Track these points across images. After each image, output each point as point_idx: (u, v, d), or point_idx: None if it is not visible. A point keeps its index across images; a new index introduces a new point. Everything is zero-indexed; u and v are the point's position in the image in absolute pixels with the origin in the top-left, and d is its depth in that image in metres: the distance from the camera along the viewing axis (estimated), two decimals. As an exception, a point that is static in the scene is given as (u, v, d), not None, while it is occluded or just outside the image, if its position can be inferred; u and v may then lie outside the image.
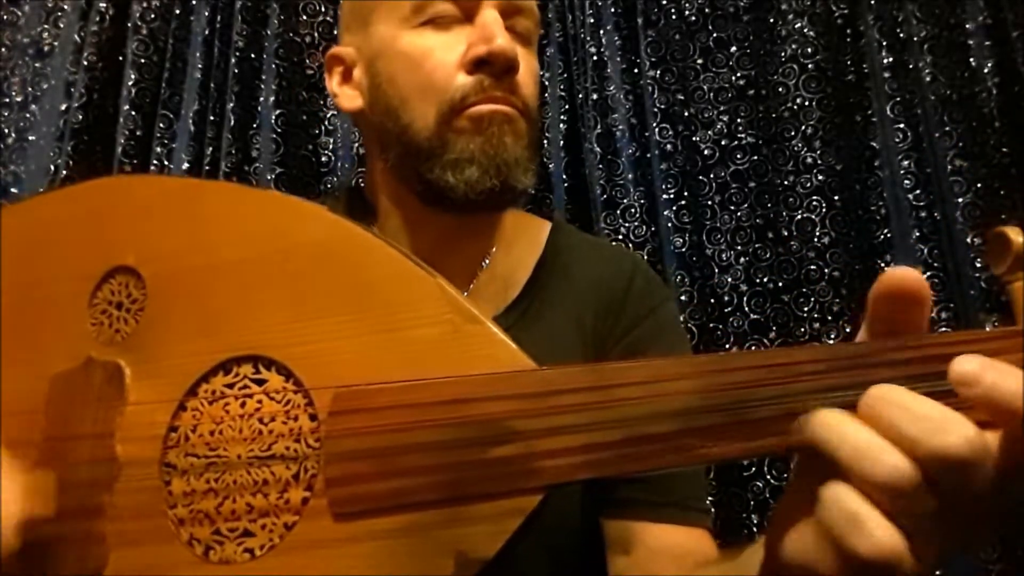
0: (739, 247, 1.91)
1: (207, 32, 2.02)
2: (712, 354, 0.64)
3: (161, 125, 1.98)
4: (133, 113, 1.97)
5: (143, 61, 2.01)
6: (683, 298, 1.87)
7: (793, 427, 0.55)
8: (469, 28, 1.01)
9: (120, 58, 2.02)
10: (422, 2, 1.01)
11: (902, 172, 1.86)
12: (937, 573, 1.71)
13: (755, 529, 1.77)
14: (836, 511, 0.52)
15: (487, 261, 1.11)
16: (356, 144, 1.96)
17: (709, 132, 1.97)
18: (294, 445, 0.68)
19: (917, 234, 1.83)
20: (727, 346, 1.86)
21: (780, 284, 1.89)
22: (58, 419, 0.77)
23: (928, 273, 1.80)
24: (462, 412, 0.63)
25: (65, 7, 2.07)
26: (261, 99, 2.02)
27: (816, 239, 1.88)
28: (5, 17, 2.05)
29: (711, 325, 1.88)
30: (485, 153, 0.98)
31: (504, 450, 0.62)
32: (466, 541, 0.63)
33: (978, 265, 1.79)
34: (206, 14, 2.03)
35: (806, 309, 1.87)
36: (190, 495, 0.71)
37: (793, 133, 1.94)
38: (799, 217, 1.90)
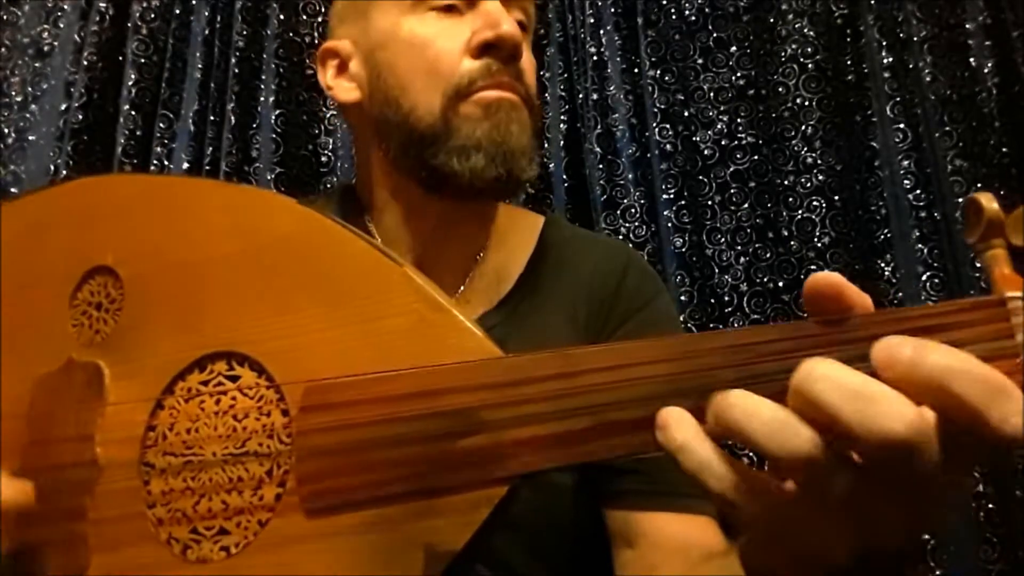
0: (739, 247, 1.91)
1: (207, 32, 2.02)
2: (681, 336, 0.64)
3: (161, 125, 1.98)
4: (133, 113, 1.97)
5: (143, 61, 2.01)
6: (683, 298, 1.87)
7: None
8: (471, 15, 1.02)
9: (120, 58, 2.02)
10: None
11: (902, 172, 1.85)
12: (937, 573, 1.71)
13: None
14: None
15: (481, 255, 1.11)
16: (355, 144, 1.97)
17: (709, 132, 1.97)
18: (267, 442, 0.68)
19: (917, 234, 1.82)
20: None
21: (780, 284, 1.88)
22: (41, 423, 0.77)
23: (928, 273, 1.79)
24: (430, 404, 0.63)
25: (65, 7, 2.07)
26: (261, 99, 2.02)
27: (816, 239, 1.88)
28: (5, 17, 2.05)
29: (711, 325, 1.88)
30: (492, 140, 0.97)
31: (472, 441, 0.62)
32: (435, 534, 0.63)
33: (978, 265, 1.78)
34: (206, 14, 2.03)
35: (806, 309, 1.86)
36: (168, 494, 0.71)
37: (793, 133, 1.93)
38: (799, 217, 1.90)
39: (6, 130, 1.99)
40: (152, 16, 2.04)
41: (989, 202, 0.56)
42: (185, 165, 1.94)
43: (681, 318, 1.83)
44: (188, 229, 0.79)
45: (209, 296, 0.75)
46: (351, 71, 1.08)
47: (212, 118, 1.98)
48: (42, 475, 0.74)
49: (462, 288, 1.09)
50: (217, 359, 0.72)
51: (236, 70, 1.99)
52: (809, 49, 1.95)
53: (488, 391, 0.62)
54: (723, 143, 1.96)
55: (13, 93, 2.02)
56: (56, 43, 2.05)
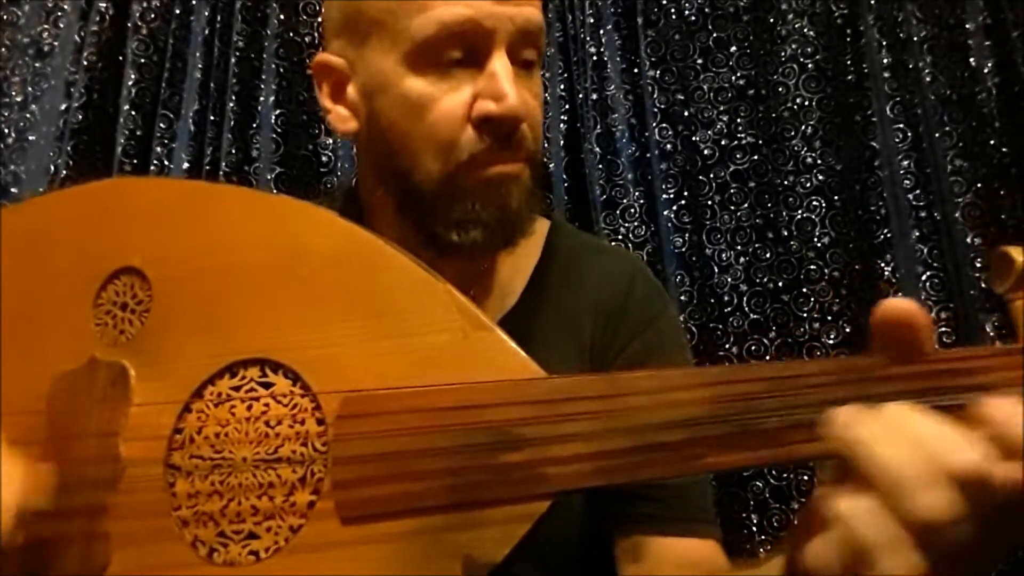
0: (739, 247, 1.91)
1: (207, 32, 2.02)
2: (721, 366, 0.65)
3: (161, 125, 1.98)
4: (133, 113, 1.97)
5: (143, 61, 2.01)
6: (683, 298, 1.88)
7: (821, 432, 0.55)
8: (476, 73, 0.95)
9: (120, 58, 2.02)
10: (431, 47, 0.93)
11: (902, 172, 1.86)
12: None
13: (755, 529, 1.77)
14: (871, 530, 0.52)
15: (485, 267, 1.09)
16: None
17: (709, 132, 1.97)
18: (301, 448, 0.68)
19: (917, 234, 1.83)
20: (727, 346, 1.86)
21: (780, 284, 1.89)
22: (60, 418, 0.76)
23: (928, 273, 1.80)
24: (472, 418, 0.63)
25: (65, 7, 2.06)
26: (261, 99, 2.02)
27: (816, 239, 1.88)
28: (5, 17, 2.05)
29: (711, 325, 1.88)
30: (491, 215, 0.95)
31: (514, 456, 0.62)
32: (474, 545, 0.63)
33: (978, 265, 1.79)
34: (206, 14, 2.03)
35: (806, 309, 1.87)
36: (194, 496, 0.70)
37: (793, 133, 1.94)
38: (799, 217, 1.90)
39: (6, 130, 1.99)
40: (152, 16, 2.03)
41: (1019, 255, 0.58)
42: (185, 165, 1.94)
43: (681, 318, 1.83)
44: (220, 235, 0.79)
45: (241, 302, 0.75)
46: (348, 97, 1.02)
47: (212, 118, 1.98)
48: (62, 469, 0.74)
49: None
50: (250, 365, 0.72)
51: (236, 70, 1.99)
52: (809, 49, 1.96)
53: (531, 408, 0.63)
54: (723, 143, 1.97)
55: (13, 93, 2.01)
56: (56, 43, 2.05)
